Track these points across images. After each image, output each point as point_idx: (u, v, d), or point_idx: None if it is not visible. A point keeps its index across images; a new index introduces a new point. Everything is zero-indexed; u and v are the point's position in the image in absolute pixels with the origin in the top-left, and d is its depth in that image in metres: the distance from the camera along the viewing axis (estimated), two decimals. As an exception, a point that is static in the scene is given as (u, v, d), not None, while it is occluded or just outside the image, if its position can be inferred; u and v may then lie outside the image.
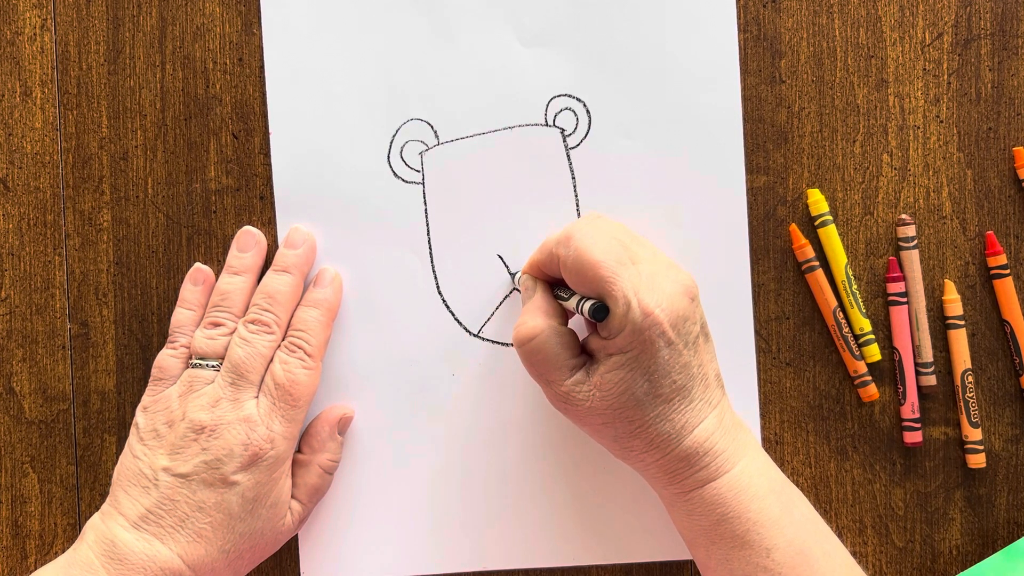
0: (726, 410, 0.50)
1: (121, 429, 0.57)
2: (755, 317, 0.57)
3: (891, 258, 0.57)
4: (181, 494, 0.51)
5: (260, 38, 0.57)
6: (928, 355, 0.57)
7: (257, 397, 0.53)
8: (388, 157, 0.57)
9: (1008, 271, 0.57)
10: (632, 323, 0.47)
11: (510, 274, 0.57)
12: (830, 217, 0.57)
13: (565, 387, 0.49)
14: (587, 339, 0.50)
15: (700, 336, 0.49)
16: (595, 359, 0.49)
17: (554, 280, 0.53)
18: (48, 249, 0.58)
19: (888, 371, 0.57)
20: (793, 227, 0.57)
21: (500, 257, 0.57)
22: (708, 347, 0.50)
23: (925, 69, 0.57)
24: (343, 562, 0.57)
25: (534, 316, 0.50)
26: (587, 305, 0.48)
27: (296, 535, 0.57)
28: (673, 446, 0.48)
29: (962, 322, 0.57)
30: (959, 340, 0.57)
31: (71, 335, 0.58)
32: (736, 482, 0.48)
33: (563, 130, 0.57)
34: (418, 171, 0.57)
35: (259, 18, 0.57)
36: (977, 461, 0.56)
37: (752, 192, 0.57)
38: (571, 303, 0.50)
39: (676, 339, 0.47)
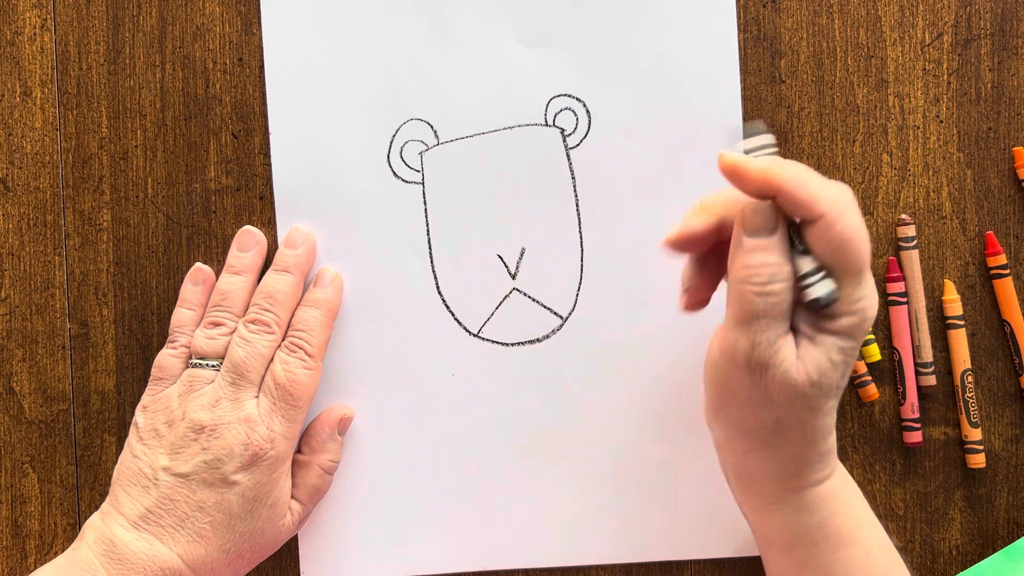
0: None
1: (121, 429, 0.57)
2: (755, 317, 0.57)
3: (891, 258, 0.57)
4: (181, 494, 0.51)
5: (260, 38, 0.57)
6: (928, 355, 0.57)
7: (257, 397, 0.53)
8: (388, 157, 0.57)
9: (1008, 271, 0.57)
10: (864, 313, 0.44)
11: (510, 274, 0.57)
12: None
13: (780, 346, 0.44)
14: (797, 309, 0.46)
15: None
16: (802, 334, 0.45)
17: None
18: (48, 249, 0.58)
19: (888, 371, 0.57)
20: (793, 227, 0.57)
21: (500, 257, 0.57)
22: None
23: (925, 69, 0.57)
24: (343, 562, 0.57)
25: (786, 258, 0.44)
26: (825, 287, 0.44)
27: (296, 535, 0.57)
28: (825, 437, 0.47)
29: (962, 322, 0.57)
30: (959, 340, 0.57)
31: (71, 335, 0.58)
32: (844, 480, 0.49)
33: (563, 130, 0.57)
34: (418, 171, 0.57)
35: (259, 18, 0.57)
36: (977, 461, 0.56)
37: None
38: (803, 265, 0.45)
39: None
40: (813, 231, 0.44)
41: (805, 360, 0.45)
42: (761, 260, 0.44)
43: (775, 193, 0.44)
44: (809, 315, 0.45)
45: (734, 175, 0.45)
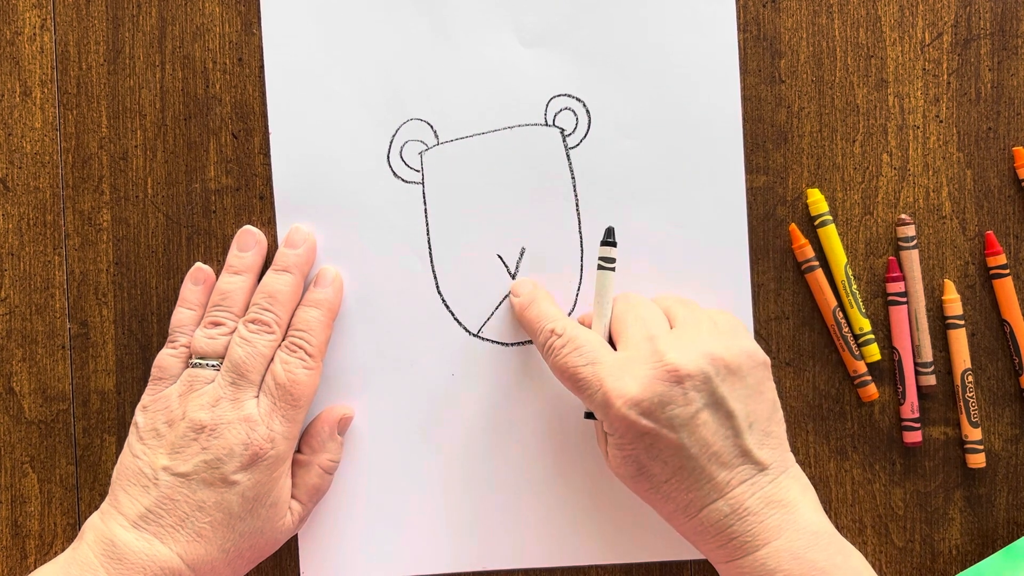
0: (753, 491, 0.48)
1: (121, 429, 0.57)
2: (755, 317, 0.57)
3: (891, 258, 0.57)
4: (181, 493, 0.51)
5: (260, 38, 0.57)
6: (928, 355, 0.57)
7: (257, 397, 0.53)
8: (388, 157, 0.57)
9: (1008, 271, 0.57)
10: (605, 419, 0.49)
11: (510, 274, 0.57)
12: (830, 217, 0.57)
13: (599, 441, 0.52)
14: None
15: (701, 415, 0.47)
16: None
17: None
18: (48, 249, 0.58)
19: (888, 371, 0.57)
20: (793, 227, 0.57)
21: (500, 257, 0.57)
22: (720, 425, 0.48)
23: (925, 69, 0.57)
24: (343, 562, 0.57)
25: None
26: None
27: (296, 535, 0.57)
28: (687, 518, 0.49)
29: (962, 322, 0.57)
30: (959, 340, 0.57)
31: (71, 335, 0.58)
32: (761, 566, 0.47)
33: (563, 130, 0.57)
34: (418, 171, 0.57)
35: (259, 18, 0.57)
36: (977, 461, 0.56)
37: (752, 192, 0.57)
38: None
39: (653, 425, 0.47)
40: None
41: (607, 450, 0.51)
42: None
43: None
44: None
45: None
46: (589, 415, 0.52)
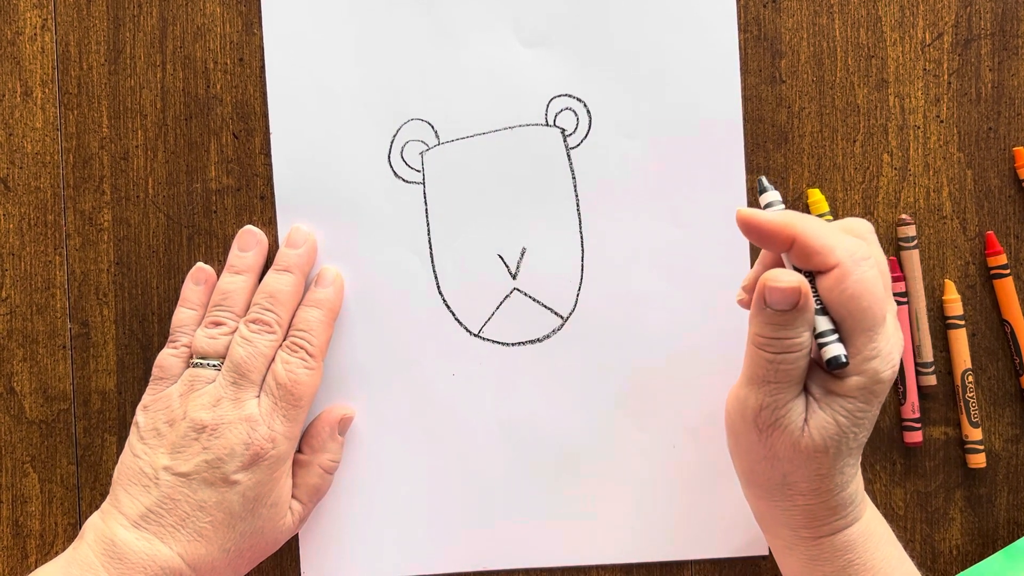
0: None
1: (121, 429, 0.57)
2: (755, 317, 0.57)
3: (891, 258, 0.57)
4: (182, 493, 0.51)
5: (260, 38, 0.57)
6: (928, 355, 0.57)
7: (259, 396, 0.53)
8: (388, 157, 0.57)
9: (1008, 271, 0.57)
10: (874, 375, 0.44)
11: (510, 274, 0.57)
12: (831, 217, 0.57)
13: (788, 410, 0.45)
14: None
15: None
16: (812, 396, 0.46)
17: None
18: (48, 249, 0.58)
19: (888, 371, 0.57)
20: (793, 227, 0.57)
21: (500, 257, 0.57)
22: None
23: (925, 69, 0.57)
24: (343, 562, 0.57)
25: (807, 330, 0.45)
26: (835, 349, 0.44)
27: (296, 535, 0.57)
28: (835, 493, 0.46)
29: (962, 322, 0.57)
30: (959, 340, 0.57)
31: (71, 335, 0.58)
32: (869, 525, 0.48)
33: (563, 130, 0.57)
34: (418, 171, 0.57)
35: (259, 18, 0.57)
36: (977, 461, 0.56)
37: (752, 192, 0.57)
38: (819, 324, 0.45)
39: (884, 399, 0.46)
40: (826, 282, 0.44)
41: (811, 424, 0.45)
42: (777, 333, 0.44)
43: (791, 243, 0.45)
44: (821, 375, 0.45)
45: (750, 228, 0.46)
46: (839, 364, 0.44)
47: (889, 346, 0.45)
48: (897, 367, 0.45)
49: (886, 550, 0.48)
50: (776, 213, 0.46)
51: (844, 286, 0.44)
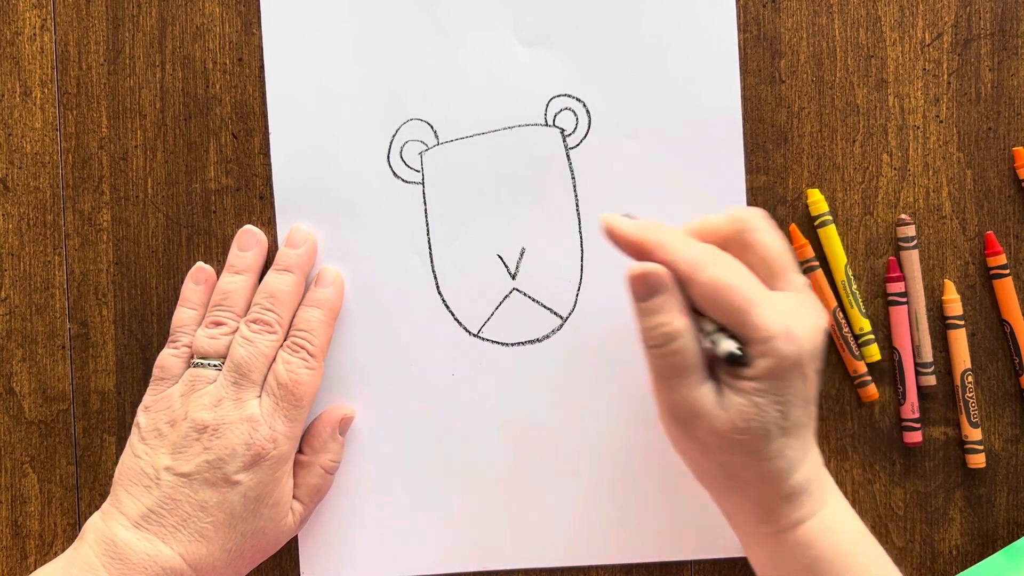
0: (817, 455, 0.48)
1: (121, 429, 0.57)
2: (755, 317, 0.57)
3: (891, 258, 0.57)
4: (183, 493, 0.51)
5: (260, 38, 0.57)
6: (928, 355, 0.57)
7: (260, 397, 0.53)
8: (388, 157, 0.57)
9: (1008, 271, 0.57)
10: (776, 352, 0.44)
11: (510, 274, 0.57)
12: (830, 217, 0.57)
13: (696, 399, 0.45)
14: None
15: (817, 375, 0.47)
16: (723, 382, 0.46)
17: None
18: (48, 249, 0.58)
19: (888, 371, 0.57)
20: (793, 227, 0.57)
21: (500, 257, 0.57)
22: (814, 390, 0.47)
23: (925, 69, 0.57)
24: (343, 562, 0.57)
25: (678, 314, 0.46)
26: (725, 345, 0.45)
27: (296, 535, 0.57)
28: (784, 480, 0.46)
29: (962, 322, 0.57)
30: (959, 340, 0.57)
31: (71, 335, 0.58)
32: (830, 522, 0.47)
33: (563, 130, 0.57)
34: (418, 171, 0.57)
35: (259, 18, 0.57)
36: (977, 461, 0.57)
37: (752, 192, 0.57)
38: (704, 323, 0.46)
39: (810, 373, 0.46)
40: (688, 291, 0.46)
41: (728, 408, 0.45)
42: (652, 322, 0.46)
43: (647, 254, 0.47)
44: (725, 363, 0.46)
45: (611, 236, 0.48)
46: (735, 358, 0.45)
47: (786, 323, 0.44)
48: (811, 340, 0.45)
49: (854, 545, 0.47)
50: (631, 224, 0.48)
51: (696, 292, 0.46)
